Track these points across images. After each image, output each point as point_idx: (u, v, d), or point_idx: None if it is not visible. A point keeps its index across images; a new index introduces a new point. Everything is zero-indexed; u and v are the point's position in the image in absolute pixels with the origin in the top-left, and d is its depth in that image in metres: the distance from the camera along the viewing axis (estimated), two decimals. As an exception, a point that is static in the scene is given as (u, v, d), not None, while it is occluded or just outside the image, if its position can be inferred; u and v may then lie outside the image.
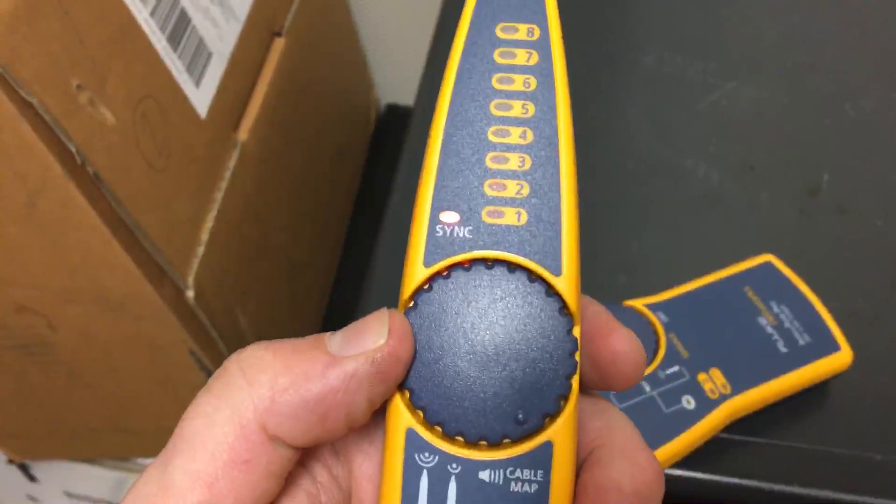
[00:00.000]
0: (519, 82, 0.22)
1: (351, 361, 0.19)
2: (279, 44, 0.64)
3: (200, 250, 0.52)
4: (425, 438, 0.20)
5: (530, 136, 0.21)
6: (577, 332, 0.21)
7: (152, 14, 0.49)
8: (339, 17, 0.81)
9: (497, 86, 0.22)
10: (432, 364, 0.20)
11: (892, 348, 0.42)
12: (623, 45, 0.58)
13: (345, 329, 0.20)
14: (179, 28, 0.51)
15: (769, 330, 0.40)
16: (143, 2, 0.48)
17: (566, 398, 0.20)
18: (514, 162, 0.21)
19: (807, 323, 0.40)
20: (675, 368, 0.38)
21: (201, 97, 0.53)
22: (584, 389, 0.22)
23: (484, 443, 0.20)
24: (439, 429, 0.20)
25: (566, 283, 0.21)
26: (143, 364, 0.55)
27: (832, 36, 0.57)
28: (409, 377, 0.20)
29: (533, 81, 0.21)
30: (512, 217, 0.21)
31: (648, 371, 0.38)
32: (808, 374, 0.39)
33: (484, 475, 0.20)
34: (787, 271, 0.42)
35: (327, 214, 0.78)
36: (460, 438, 0.20)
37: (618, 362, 0.21)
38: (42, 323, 0.51)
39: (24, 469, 0.72)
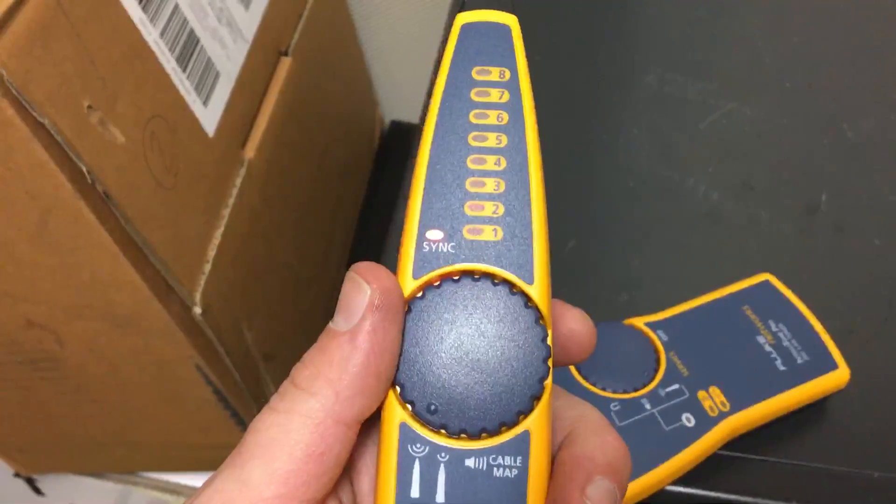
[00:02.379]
0: (493, 117, 0.25)
1: (363, 322, 0.22)
2: (285, 63, 0.65)
3: (207, 267, 0.53)
4: (416, 431, 0.23)
5: (504, 163, 0.24)
6: (549, 340, 0.23)
7: (162, 35, 0.50)
8: (344, 36, 0.82)
9: (474, 120, 0.25)
10: (421, 363, 0.23)
11: (889, 366, 0.43)
12: (624, 65, 0.59)
13: (337, 310, 0.23)
14: (188, 49, 0.52)
15: (767, 348, 0.41)
16: (153, 23, 0.49)
17: (539, 398, 0.23)
18: (490, 186, 0.24)
19: (805, 341, 0.41)
20: (675, 386, 0.39)
21: (209, 116, 0.54)
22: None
23: (466, 434, 0.23)
24: (426, 421, 0.23)
25: (538, 291, 0.23)
26: (149, 379, 0.55)
27: (831, 57, 0.58)
28: (400, 374, 0.23)
29: (505, 116, 0.25)
30: (489, 234, 0.24)
31: (648, 389, 0.39)
32: (806, 392, 0.40)
33: (469, 462, 0.23)
34: (785, 290, 0.43)
35: (333, 230, 0.78)
36: (445, 431, 0.23)
37: (574, 337, 0.25)
38: (51, 338, 0.51)
39: (30, 482, 0.72)
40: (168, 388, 0.56)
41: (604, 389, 0.39)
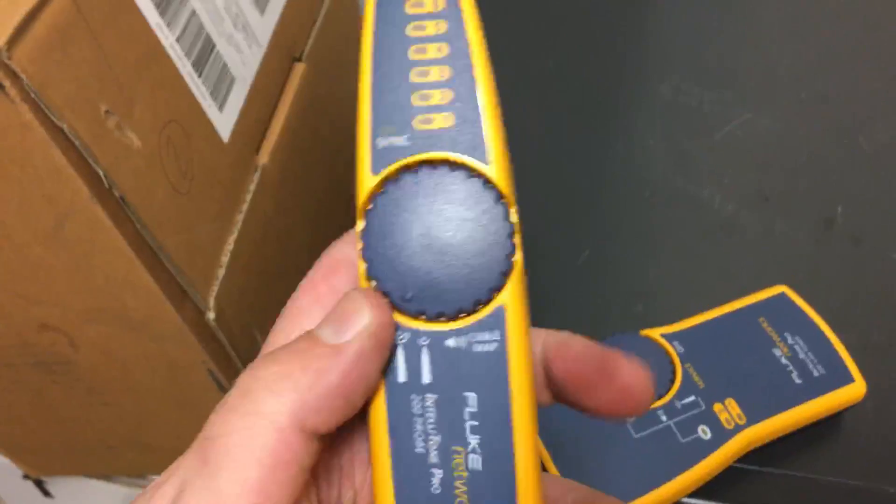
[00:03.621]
0: (429, 4, 0.25)
1: (353, 344, 0.22)
2: (299, 68, 0.65)
3: (221, 272, 0.53)
4: (395, 320, 0.24)
5: (446, 50, 0.25)
6: (513, 216, 0.24)
7: (178, 40, 0.50)
8: (357, 42, 0.82)
9: (410, 10, 0.25)
10: (392, 254, 0.24)
11: (905, 381, 0.43)
12: (640, 75, 0.59)
13: (327, 319, 0.23)
14: (204, 54, 0.52)
15: (784, 361, 0.40)
16: (170, 28, 0.49)
17: (508, 273, 0.23)
18: (435, 74, 0.24)
19: (821, 354, 0.41)
20: (691, 398, 0.39)
21: (224, 121, 0.54)
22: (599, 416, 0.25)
23: (444, 317, 0.23)
24: (404, 310, 0.24)
25: (495, 170, 0.24)
26: (161, 383, 0.55)
27: (846, 68, 0.58)
28: (372, 268, 0.24)
29: (441, 2, 0.25)
30: (440, 121, 0.24)
31: (665, 401, 0.39)
32: (822, 406, 0.40)
33: (450, 342, 0.23)
34: (801, 302, 0.43)
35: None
36: (424, 316, 0.23)
37: (630, 396, 0.24)
38: (64, 341, 0.51)
39: (39, 484, 0.72)
40: (179, 392, 0.56)
41: (620, 401, 0.38)
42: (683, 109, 0.55)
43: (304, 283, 0.27)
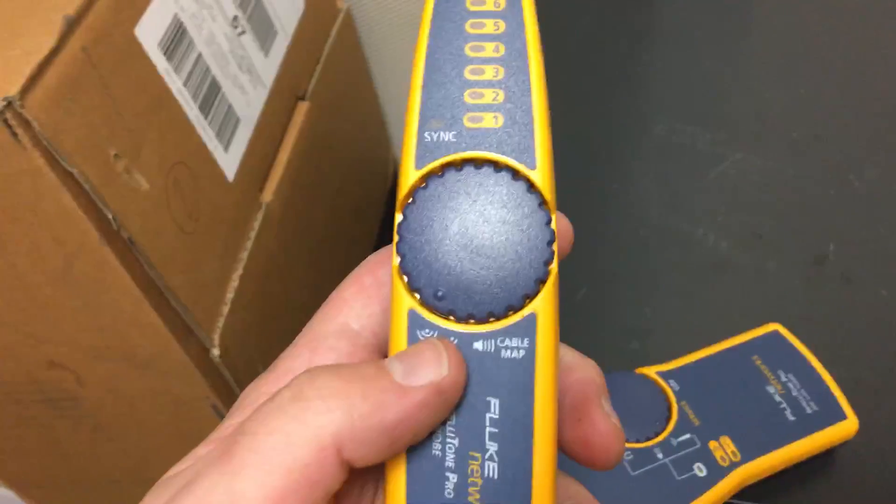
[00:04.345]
0: (490, 3, 0.25)
1: (420, 392, 0.21)
2: (302, 107, 0.67)
3: (225, 309, 0.54)
4: (425, 317, 0.23)
5: (502, 49, 0.24)
6: (554, 224, 0.24)
7: (185, 84, 0.51)
8: (359, 80, 0.84)
9: (470, 7, 0.25)
10: (427, 251, 0.23)
11: (897, 417, 0.43)
12: (634, 115, 0.60)
13: (401, 357, 0.22)
14: (210, 96, 0.53)
15: (777, 398, 0.41)
16: (177, 72, 0.50)
17: (544, 281, 0.23)
18: (489, 73, 0.24)
19: (814, 392, 0.41)
20: (687, 436, 0.39)
21: (229, 161, 0.55)
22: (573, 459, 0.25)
23: (474, 319, 0.23)
24: (435, 308, 0.23)
25: (540, 175, 0.24)
26: (166, 419, 0.56)
27: (837, 108, 0.59)
28: (406, 262, 0.23)
29: (502, 1, 0.25)
30: (490, 121, 0.24)
31: (660, 439, 0.39)
32: (815, 442, 0.40)
33: (478, 345, 0.23)
34: (794, 340, 0.44)
35: (347, 270, 0.79)
36: (453, 316, 0.23)
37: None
38: (71, 378, 0.52)
39: (42, 518, 0.72)
40: (184, 427, 0.57)
41: (616, 438, 0.39)
42: (677, 149, 0.56)
43: (351, 275, 0.26)
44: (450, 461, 0.23)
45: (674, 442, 0.39)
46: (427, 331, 0.23)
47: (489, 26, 0.25)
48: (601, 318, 0.48)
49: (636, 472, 0.38)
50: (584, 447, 0.24)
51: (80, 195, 0.42)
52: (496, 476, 0.23)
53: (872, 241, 0.51)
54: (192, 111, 0.51)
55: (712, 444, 0.39)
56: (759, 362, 0.43)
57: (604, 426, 0.24)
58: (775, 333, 0.44)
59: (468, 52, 0.24)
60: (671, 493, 0.38)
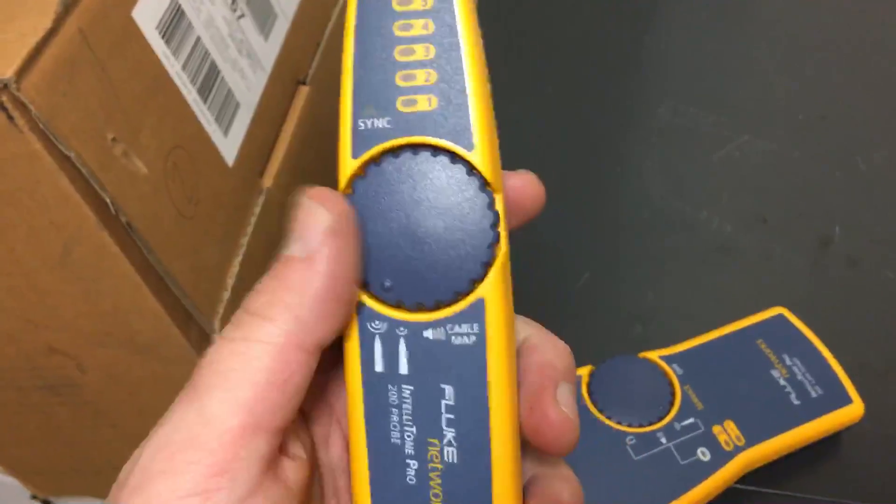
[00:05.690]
0: None
1: (322, 248, 0.22)
2: (303, 91, 0.66)
3: (226, 295, 0.53)
4: (373, 308, 0.23)
5: (432, 27, 0.23)
6: (498, 204, 0.23)
7: (184, 67, 0.50)
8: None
9: None
10: (371, 242, 0.23)
11: (903, 401, 0.43)
12: (637, 97, 0.59)
13: (291, 236, 0.23)
14: (209, 80, 0.53)
15: (782, 382, 0.41)
16: (176, 55, 0.50)
17: (490, 264, 0.23)
18: (419, 52, 0.23)
19: (819, 375, 0.41)
20: (691, 420, 0.39)
21: (229, 146, 0.55)
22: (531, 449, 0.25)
23: (423, 307, 0.23)
24: (384, 299, 0.23)
25: (480, 156, 0.23)
26: (167, 404, 0.56)
27: (843, 90, 0.58)
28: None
29: None
30: (424, 104, 0.23)
31: (664, 423, 0.39)
32: (820, 427, 0.40)
33: (428, 333, 0.23)
34: (798, 324, 0.43)
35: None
36: (402, 306, 0.23)
37: (520, 191, 0.24)
38: (71, 364, 0.52)
39: (45, 504, 0.72)
40: (185, 413, 0.56)
41: (619, 423, 0.39)
42: (681, 132, 0.56)
43: None
44: (409, 448, 0.23)
45: (677, 426, 0.39)
46: (377, 322, 0.23)
47: (417, 2, 0.23)
48: (604, 302, 0.48)
49: (639, 457, 0.38)
50: (536, 435, 0.24)
51: (78, 179, 0.42)
52: (455, 460, 0.23)
53: (878, 223, 0.50)
54: (190, 95, 0.51)
55: (716, 429, 0.39)
56: (763, 346, 0.42)
57: (554, 416, 0.23)
58: (780, 317, 0.44)
59: (396, 31, 0.23)
60: (675, 477, 0.38)
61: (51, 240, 0.43)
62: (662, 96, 0.58)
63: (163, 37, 0.48)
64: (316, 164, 0.68)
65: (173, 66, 0.49)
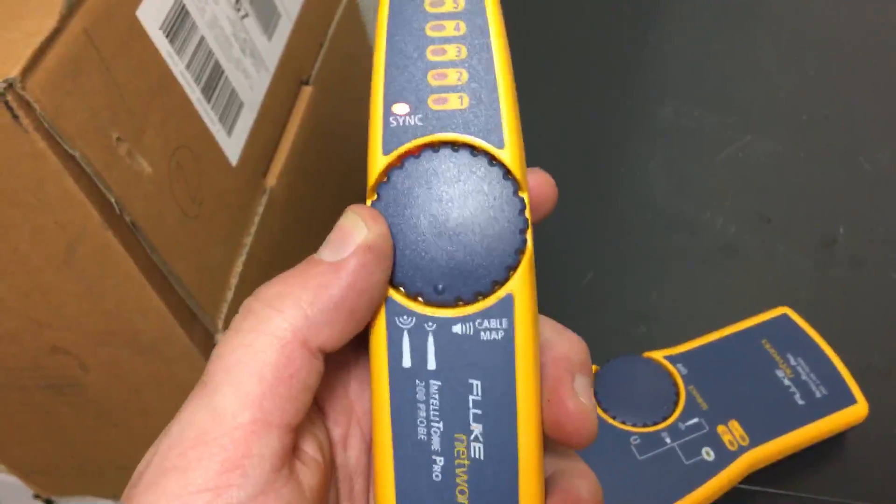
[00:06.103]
0: None
1: (352, 258, 0.22)
2: (306, 92, 0.66)
3: (230, 295, 0.53)
4: (402, 304, 0.23)
5: (463, 28, 0.24)
6: (524, 194, 0.23)
7: (188, 67, 0.51)
8: (363, 63, 0.83)
9: None
10: (398, 239, 0.23)
11: (907, 401, 0.43)
12: (641, 98, 0.59)
13: (327, 242, 0.23)
14: (213, 80, 0.53)
15: (786, 382, 0.41)
16: (180, 55, 0.50)
17: (522, 252, 0.23)
18: (451, 53, 0.24)
19: (823, 375, 0.41)
20: (695, 420, 0.39)
21: (233, 146, 0.55)
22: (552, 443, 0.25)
23: (451, 302, 0.23)
24: (412, 295, 0.23)
25: (509, 153, 0.23)
26: (170, 404, 0.56)
27: (847, 89, 0.58)
28: None
29: None
30: (455, 102, 0.24)
31: (668, 423, 0.39)
32: (824, 427, 0.40)
33: (457, 328, 0.23)
34: (803, 324, 0.43)
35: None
36: (430, 302, 0.23)
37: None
38: (75, 364, 0.52)
39: (48, 504, 0.73)
40: (189, 413, 0.56)
41: (624, 423, 0.39)
42: (684, 132, 0.56)
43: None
44: (436, 444, 0.23)
45: (682, 426, 0.39)
46: (405, 317, 0.23)
47: (448, 4, 0.24)
48: (608, 302, 0.48)
49: (644, 457, 0.38)
50: (555, 428, 0.24)
51: (82, 178, 0.42)
52: (482, 457, 0.23)
53: (882, 223, 0.50)
54: (194, 94, 0.51)
55: (720, 429, 0.39)
56: (767, 346, 0.42)
57: (573, 407, 0.24)
58: (784, 317, 0.44)
59: (429, 31, 0.24)
60: (679, 477, 0.38)
61: (55, 239, 0.43)
62: (665, 97, 0.58)
63: (167, 36, 0.48)
64: (319, 164, 0.68)
65: (177, 66, 0.49)
